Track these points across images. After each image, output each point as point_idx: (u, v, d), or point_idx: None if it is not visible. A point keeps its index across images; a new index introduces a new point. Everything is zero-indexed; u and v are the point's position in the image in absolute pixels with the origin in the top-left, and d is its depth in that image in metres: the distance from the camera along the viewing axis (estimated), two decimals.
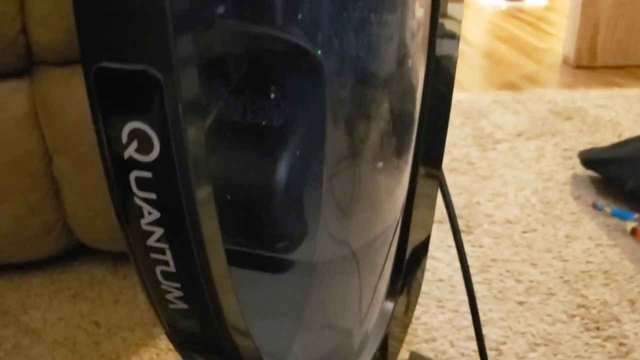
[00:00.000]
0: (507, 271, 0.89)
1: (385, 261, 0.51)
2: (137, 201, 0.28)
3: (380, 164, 0.42)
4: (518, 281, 0.87)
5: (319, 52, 0.27)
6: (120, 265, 0.91)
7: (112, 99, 0.26)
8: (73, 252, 0.91)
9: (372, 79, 0.31)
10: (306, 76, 0.29)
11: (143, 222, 0.29)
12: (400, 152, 0.44)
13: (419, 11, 0.37)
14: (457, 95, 1.67)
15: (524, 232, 0.99)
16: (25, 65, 0.74)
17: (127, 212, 0.29)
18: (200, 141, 0.27)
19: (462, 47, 2.26)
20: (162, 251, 0.29)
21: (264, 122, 0.33)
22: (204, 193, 0.28)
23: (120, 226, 0.30)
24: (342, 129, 0.34)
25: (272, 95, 0.31)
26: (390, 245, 0.52)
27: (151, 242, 0.29)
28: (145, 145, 0.26)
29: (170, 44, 0.24)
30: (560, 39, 2.18)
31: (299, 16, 0.26)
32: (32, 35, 0.71)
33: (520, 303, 0.82)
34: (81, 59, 0.26)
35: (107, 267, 0.91)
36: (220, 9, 0.26)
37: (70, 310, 0.84)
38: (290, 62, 0.29)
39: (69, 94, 0.74)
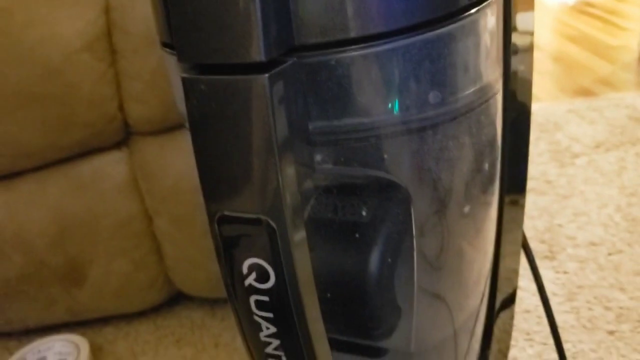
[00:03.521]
0: (595, 298, 0.89)
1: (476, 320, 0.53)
2: (256, 318, 0.32)
3: (467, 209, 0.42)
4: (607, 308, 0.87)
5: (403, 183, 0.31)
6: (218, 308, 0.97)
7: (233, 240, 0.30)
8: (174, 298, 0.98)
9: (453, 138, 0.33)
10: (394, 198, 0.33)
11: (262, 334, 0.33)
12: (487, 186, 0.42)
13: (491, 20, 0.36)
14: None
15: (610, 254, 0.99)
16: (123, 136, 0.81)
17: (248, 327, 0.33)
18: (307, 267, 0.31)
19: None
20: (278, 357, 0.34)
21: (354, 219, 0.37)
22: (312, 309, 0.32)
23: (242, 337, 0.34)
24: (428, 200, 0.36)
25: (364, 213, 0.34)
26: (483, 296, 0.54)
27: (269, 350, 0.33)
28: (262, 276, 0.30)
29: (281, 198, 0.28)
30: (634, 34, 2.12)
31: (385, 156, 0.30)
32: (128, 111, 0.78)
33: (611, 332, 0.82)
34: (206, 208, 0.30)
35: (206, 311, 0.97)
36: (318, 157, 0.30)
37: (176, 356, 0.90)
38: (379, 189, 0.32)
39: (165, 159, 0.81)
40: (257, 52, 0.25)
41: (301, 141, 0.29)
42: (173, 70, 0.33)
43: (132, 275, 0.87)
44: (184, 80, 0.27)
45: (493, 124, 0.39)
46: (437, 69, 0.29)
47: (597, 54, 2.07)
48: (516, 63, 0.46)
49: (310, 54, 0.27)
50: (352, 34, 0.27)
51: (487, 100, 0.34)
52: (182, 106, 0.34)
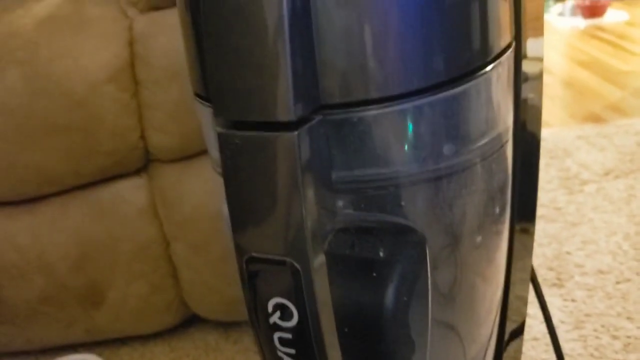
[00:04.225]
0: (603, 326, 0.90)
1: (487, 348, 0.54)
2: (280, 354, 0.34)
3: (479, 240, 0.44)
4: (614, 337, 0.88)
5: (420, 227, 0.33)
6: (232, 331, 0.99)
7: (260, 280, 0.32)
8: (188, 320, 1.00)
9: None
10: (410, 240, 0.35)
11: None
12: (499, 220, 0.43)
13: (504, 73, 0.38)
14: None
15: (618, 282, 1.00)
16: (143, 164, 0.84)
17: None
18: (329, 307, 0.33)
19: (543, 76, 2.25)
20: None
21: (371, 256, 0.39)
22: (332, 346, 0.34)
23: None
24: (442, 240, 0.38)
25: (381, 254, 0.36)
26: (493, 325, 0.55)
27: None
28: (286, 315, 0.32)
29: (305, 242, 0.30)
30: None
31: (402, 203, 0.32)
32: (149, 140, 0.80)
33: None
34: (235, 250, 0.32)
35: (220, 334, 0.99)
36: (340, 203, 0.32)
37: None
38: (395, 232, 0.34)
39: (184, 186, 0.83)
40: (287, 113, 0.28)
41: (324, 189, 0.32)
42: (206, 120, 0.35)
43: (149, 298, 0.89)
44: (219, 134, 0.29)
45: (506, 166, 0.41)
46: (452, 124, 0.32)
47: (607, 79, 2.09)
48: (526, 91, 0.48)
49: (334, 112, 0.30)
50: (373, 95, 0.29)
51: (500, 148, 0.36)
52: (214, 153, 0.37)
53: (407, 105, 0.30)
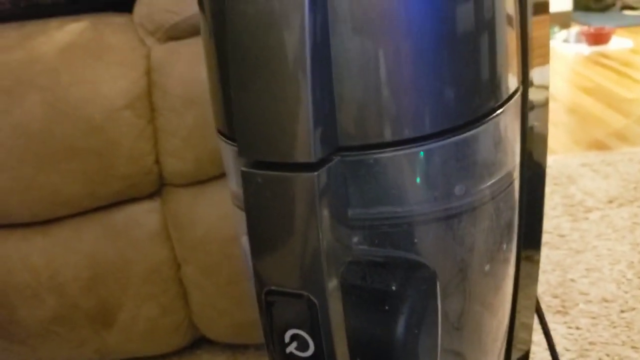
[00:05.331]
0: (607, 355, 0.91)
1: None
2: None
3: (487, 268, 0.44)
4: None
5: (431, 263, 0.35)
6: (239, 354, 1.00)
7: (278, 312, 0.34)
8: (196, 342, 1.01)
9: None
10: (421, 275, 0.36)
11: None
12: (507, 250, 0.44)
13: (512, 115, 0.40)
14: None
15: (622, 311, 1.01)
16: (157, 188, 0.86)
17: None
18: (343, 338, 0.35)
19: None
20: None
21: (383, 288, 0.40)
22: None
23: None
24: (452, 274, 0.40)
25: (394, 287, 0.38)
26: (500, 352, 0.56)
27: None
28: (302, 345, 0.34)
29: (323, 277, 0.32)
30: None
31: (415, 240, 0.34)
32: (164, 165, 0.82)
33: None
34: (255, 282, 0.34)
35: (227, 357, 1.00)
36: (355, 239, 0.34)
37: None
38: (408, 267, 0.36)
39: (196, 210, 0.85)
40: (308, 155, 0.29)
41: (341, 225, 0.33)
42: (227, 157, 0.37)
43: (159, 319, 0.90)
44: (243, 173, 0.31)
45: (514, 202, 0.42)
46: (463, 166, 0.33)
47: (611, 106, 2.11)
48: (532, 119, 0.49)
49: (352, 153, 0.32)
50: (389, 138, 0.31)
51: (509, 186, 0.38)
52: (234, 188, 0.38)
53: (421, 148, 0.32)
